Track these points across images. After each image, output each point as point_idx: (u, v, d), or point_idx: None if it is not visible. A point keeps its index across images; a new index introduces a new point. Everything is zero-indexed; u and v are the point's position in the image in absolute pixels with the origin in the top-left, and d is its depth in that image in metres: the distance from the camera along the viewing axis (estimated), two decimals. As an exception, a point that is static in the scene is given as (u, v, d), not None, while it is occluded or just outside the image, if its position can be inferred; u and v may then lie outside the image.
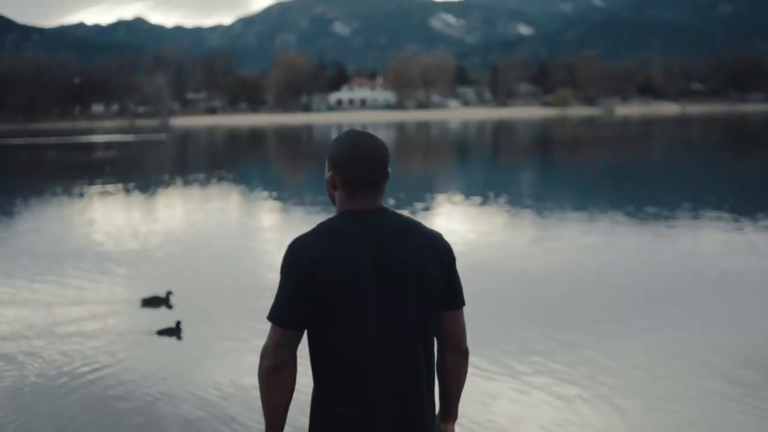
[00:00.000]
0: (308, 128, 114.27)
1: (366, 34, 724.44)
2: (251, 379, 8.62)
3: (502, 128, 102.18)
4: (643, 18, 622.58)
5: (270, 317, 3.16)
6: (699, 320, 10.63)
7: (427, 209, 23.17)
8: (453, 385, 3.43)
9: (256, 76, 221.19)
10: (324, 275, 3.08)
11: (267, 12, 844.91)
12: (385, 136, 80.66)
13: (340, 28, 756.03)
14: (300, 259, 3.12)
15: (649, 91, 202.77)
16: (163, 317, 11.34)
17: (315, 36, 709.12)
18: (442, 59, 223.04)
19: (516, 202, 24.89)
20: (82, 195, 29.58)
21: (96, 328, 10.91)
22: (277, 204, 26.21)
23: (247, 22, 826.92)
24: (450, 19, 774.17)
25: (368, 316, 3.13)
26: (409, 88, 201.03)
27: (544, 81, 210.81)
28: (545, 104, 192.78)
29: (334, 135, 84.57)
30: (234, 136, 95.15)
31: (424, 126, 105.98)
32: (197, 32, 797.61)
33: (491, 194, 26.67)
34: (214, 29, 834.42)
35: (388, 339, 3.15)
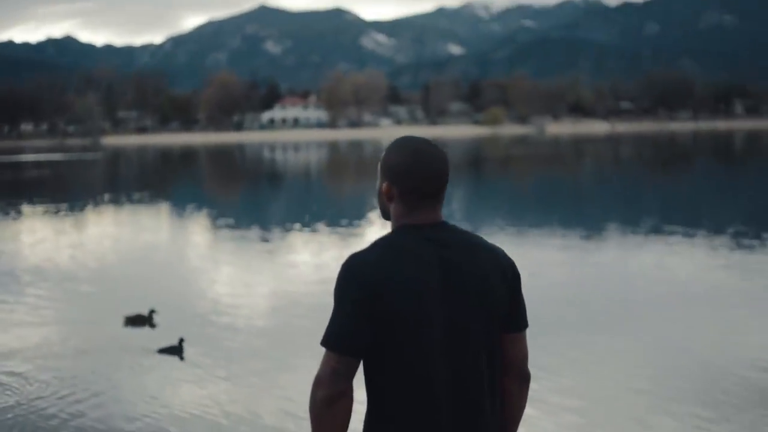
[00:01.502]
0: (240, 147, 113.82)
1: (298, 52, 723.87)
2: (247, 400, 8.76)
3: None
4: (573, 38, 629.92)
5: (324, 343, 2.89)
6: (649, 336, 11.00)
7: (359, 228, 23.33)
8: (515, 411, 3.16)
9: (188, 94, 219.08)
10: (388, 298, 2.84)
11: (198, 31, 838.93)
12: (317, 155, 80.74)
13: (272, 47, 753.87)
14: (361, 278, 2.86)
15: (579, 109, 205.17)
16: (147, 336, 11.19)
17: (247, 55, 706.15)
18: (375, 78, 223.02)
19: (457, 220, 25.24)
20: (22, 214, 29.39)
21: (83, 348, 10.63)
22: (220, 222, 26.04)
23: (177, 41, 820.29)
24: (381, 38, 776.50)
25: (435, 339, 2.90)
26: (341, 106, 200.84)
27: (476, 100, 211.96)
28: (477, 122, 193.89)
29: (266, 153, 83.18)
30: (166, 155, 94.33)
31: (356, 144, 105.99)
32: (128, 51, 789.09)
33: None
34: (144, 48, 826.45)
35: (454, 364, 2.93)
